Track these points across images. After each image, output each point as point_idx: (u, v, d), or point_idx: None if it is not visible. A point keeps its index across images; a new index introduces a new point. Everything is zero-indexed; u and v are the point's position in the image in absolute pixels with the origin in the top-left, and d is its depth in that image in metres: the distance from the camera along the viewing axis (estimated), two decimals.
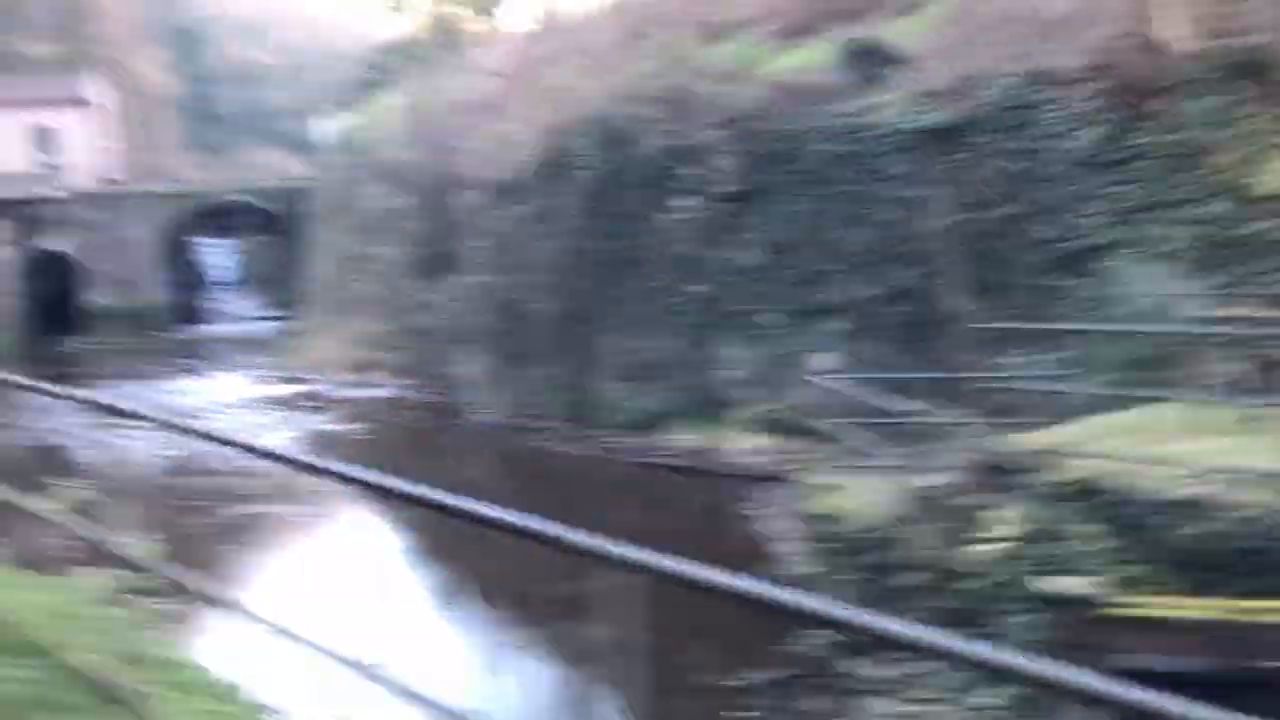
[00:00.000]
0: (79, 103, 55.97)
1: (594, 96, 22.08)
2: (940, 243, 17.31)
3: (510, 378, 24.04)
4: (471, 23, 65.37)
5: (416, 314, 29.44)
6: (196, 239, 60.58)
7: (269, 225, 54.41)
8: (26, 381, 5.11)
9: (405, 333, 30.43)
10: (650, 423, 20.81)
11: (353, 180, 42.69)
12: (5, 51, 68.68)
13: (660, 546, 2.05)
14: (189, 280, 57.30)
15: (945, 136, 17.68)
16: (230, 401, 29.28)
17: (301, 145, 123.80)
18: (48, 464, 22.43)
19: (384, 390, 28.87)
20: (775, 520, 13.50)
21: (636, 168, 21.05)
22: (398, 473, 2.86)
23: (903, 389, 11.21)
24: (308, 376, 32.71)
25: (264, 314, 58.74)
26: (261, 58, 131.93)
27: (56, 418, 27.09)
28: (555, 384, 22.81)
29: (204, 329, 52.42)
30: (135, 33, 75.13)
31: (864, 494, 9.55)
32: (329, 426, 24.61)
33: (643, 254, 21.14)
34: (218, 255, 75.87)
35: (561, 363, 22.68)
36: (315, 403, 27.97)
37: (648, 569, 2.06)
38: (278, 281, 62.98)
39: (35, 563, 5.88)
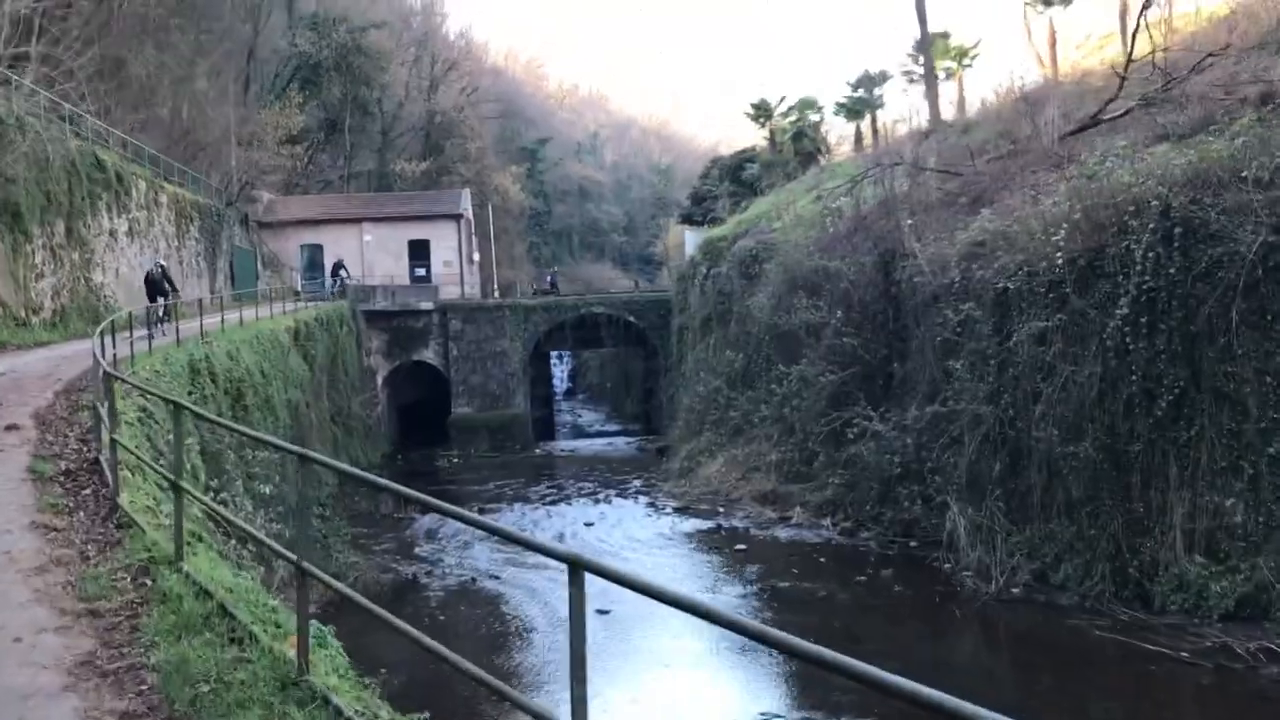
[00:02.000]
0: (453, 217, 56.88)
1: (1146, 182, 17.33)
2: None
3: (1010, 533, 19.20)
4: (834, 127, 62.52)
5: (849, 444, 25.23)
6: (553, 351, 60.16)
7: (629, 337, 52.59)
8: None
9: (832, 465, 26.26)
10: (1248, 611, 15.38)
11: (731, 291, 39.76)
12: (384, 171, 72.49)
13: None
14: (546, 393, 56.36)
15: None
16: (643, 538, 26.01)
17: (628, 258, 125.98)
18: (490, 619, 19.57)
19: (815, 533, 24.70)
20: None
21: (1226, 272, 16.05)
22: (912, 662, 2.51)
23: None
24: (709, 508, 29.18)
25: (617, 429, 56.94)
26: (594, 175, 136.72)
27: (466, 550, 24.69)
28: (1086, 547, 17.79)
29: (563, 444, 50.70)
30: (492, 152, 77.48)
31: None
32: (780, 582, 20.52)
33: (1236, 385, 15.97)
34: (568, 367, 76.05)
35: (1096, 520, 17.65)
36: (740, 545, 24.12)
37: None
38: (632, 395, 61.49)
39: None
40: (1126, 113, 27.80)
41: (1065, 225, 17.92)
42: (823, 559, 22.19)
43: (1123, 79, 28.03)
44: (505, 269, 71.56)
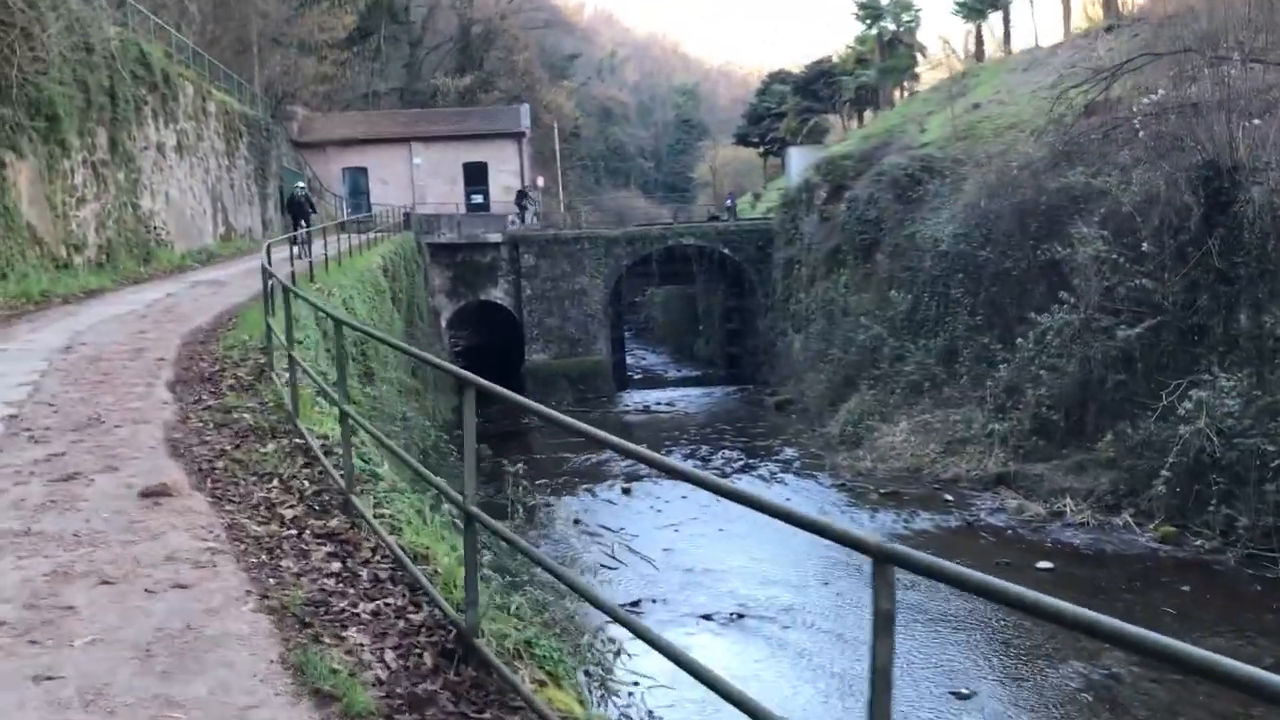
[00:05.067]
0: (513, 136, 50.11)
1: None
2: None
3: None
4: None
5: (1164, 421, 19.09)
6: (632, 288, 53.70)
7: (723, 273, 46.22)
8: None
9: (1123, 445, 20.16)
10: None
11: (880, 219, 33.41)
12: (414, 88, 65.32)
13: None
14: (619, 335, 50.01)
15: None
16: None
17: (653, 184, 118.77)
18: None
19: (1115, 537, 18.70)
20: None
21: None
22: None
23: None
24: (924, 494, 23.18)
25: (695, 374, 50.71)
26: (619, 96, 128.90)
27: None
28: None
29: (648, 395, 44.48)
30: (536, 66, 70.17)
31: None
32: (1195, 634, 14.38)
33: None
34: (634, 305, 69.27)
35: None
36: (1042, 561, 18.04)
37: None
38: (708, 336, 55.18)
39: None
40: None
41: None
42: (1185, 586, 16.16)
43: None
44: (566, 194, 64.64)
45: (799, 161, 44.03)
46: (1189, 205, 19.56)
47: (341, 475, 6.21)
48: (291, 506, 6.00)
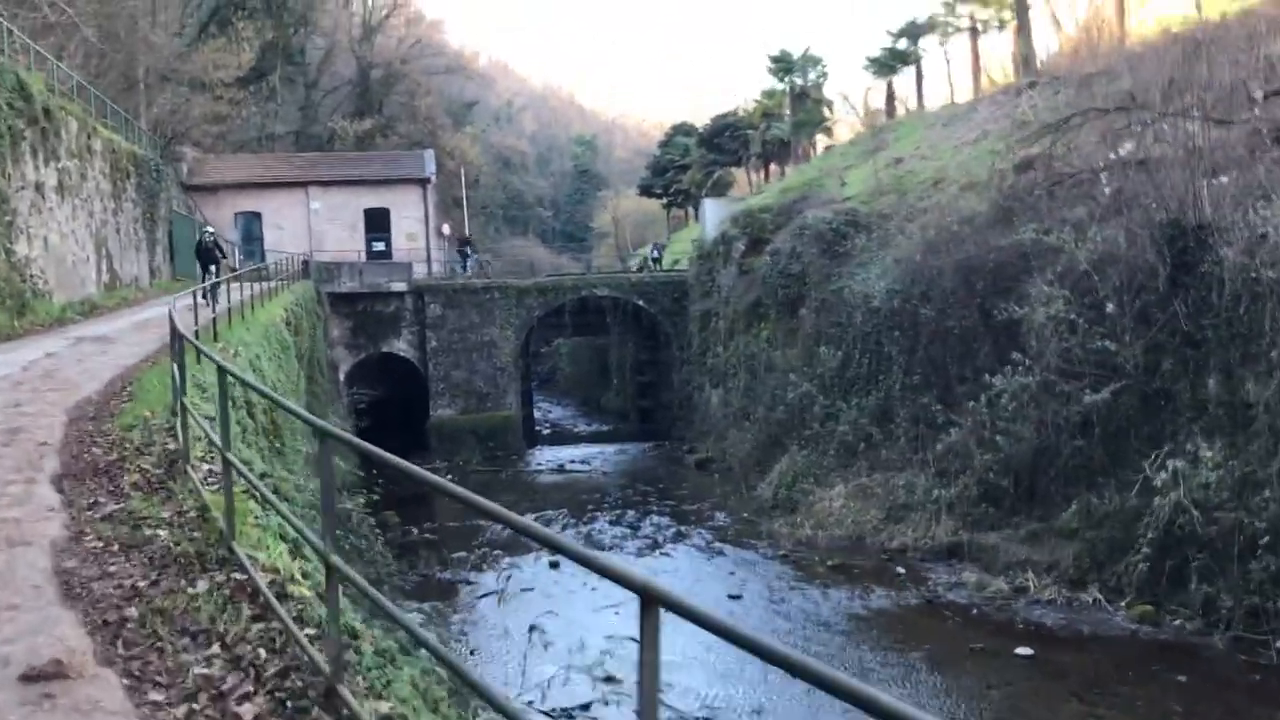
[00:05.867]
0: (418, 182, 48.09)
1: None
2: None
3: None
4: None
5: (1139, 490, 18.15)
6: (541, 339, 51.93)
7: (638, 325, 44.84)
8: None
9: (1088, 516, 19.16)
10: None
11: (805, 273, 32.44)
12: (310, 131, 62.95)
13: None
14: (527, 388, 48.15)
15: None
16: (833, 622, 18.57)
17: (553, 234, 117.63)
18: None
19: (1086, 616, 17.63)
20: None
21: None
22: None
23: None
24: (873, 565, 21.93)
25: (605, 429, 49.06)
26: (518, 145, 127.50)
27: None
28: None
29: (561, 452, 42.70)
30: (439, 112, 68.32)
31: None
32: None
33: None
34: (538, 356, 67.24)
35: None
36: (1019, 647, 16.81)
37: None
38: (620, 388, 53.60)
39: None
40: None
41: None
42: (1180, 675, 15.06)
43: None
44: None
45: (714, 213, 43.02)
46: (1153, 265, 18.81)
47: (312, 639, 4.47)
48: (248, 697, 4.21)
